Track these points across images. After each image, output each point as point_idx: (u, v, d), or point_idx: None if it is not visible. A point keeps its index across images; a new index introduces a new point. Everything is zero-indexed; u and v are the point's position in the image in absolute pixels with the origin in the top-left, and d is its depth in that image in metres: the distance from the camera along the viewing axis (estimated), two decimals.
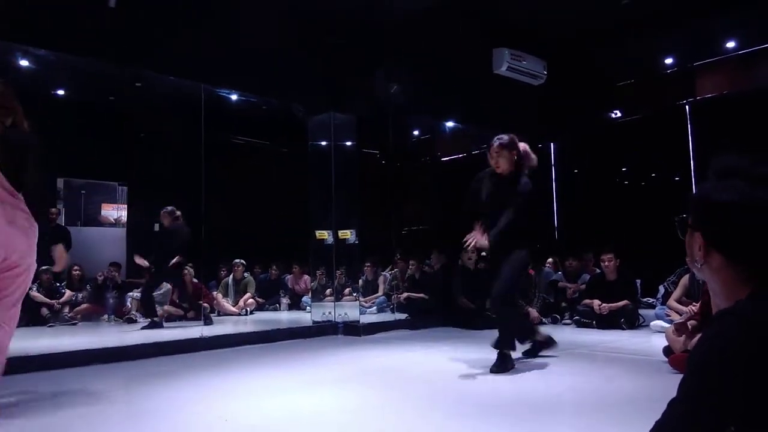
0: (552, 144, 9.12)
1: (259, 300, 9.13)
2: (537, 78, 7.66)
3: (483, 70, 7.35)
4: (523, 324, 4.38)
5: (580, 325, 6.36)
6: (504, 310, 4.01)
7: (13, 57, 5.48)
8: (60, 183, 9.97)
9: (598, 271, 6.78)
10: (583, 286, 6.81)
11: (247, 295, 8.74)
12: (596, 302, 6.21)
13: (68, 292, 7.67)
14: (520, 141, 4.10)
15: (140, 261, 6.98)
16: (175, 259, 6.86)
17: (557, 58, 7.84)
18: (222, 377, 3.97)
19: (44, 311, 7.29)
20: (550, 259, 7.80)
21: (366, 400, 3.25)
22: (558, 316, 6.88)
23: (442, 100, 7.42)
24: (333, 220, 6.63)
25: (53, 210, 8.75)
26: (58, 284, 7.67)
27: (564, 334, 5.44)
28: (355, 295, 7.76)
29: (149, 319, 6.78)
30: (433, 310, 7.22)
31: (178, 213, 6.97)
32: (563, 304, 6.98)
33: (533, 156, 4.19)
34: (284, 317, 8.49)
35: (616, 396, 3.24)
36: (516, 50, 7.32)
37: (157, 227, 9.39)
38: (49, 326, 7.09)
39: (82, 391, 3.53)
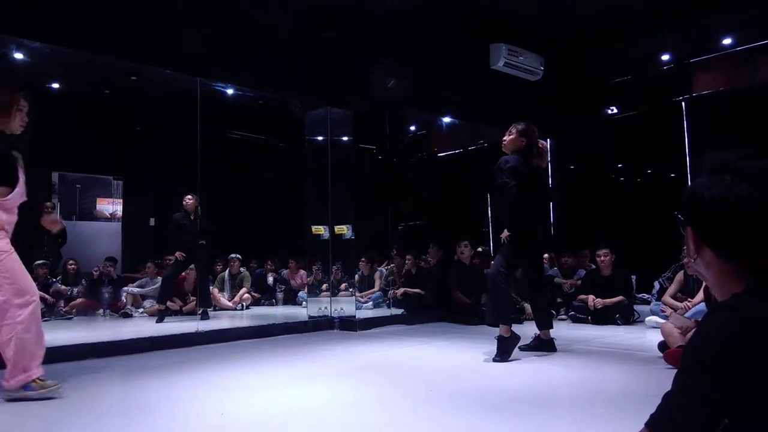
0: (548, 140, 9.12)
1: (255, 295, 9.12)
2: (534, 74, 7.65)
3: (480, 65, 7.34)
4: (500, 306, 4.24)
5: (575, 320, 6.39)
6: (489, 283, 4.32)
7: (7, 49, 5.44)
8: (55, 177, 9.93)
9: (593, 266, 6.79)
10: (579, 282, 6.83)
11: (243, 290, 8.74)
12: (591, 297, 6.23)
13: (63, 287, 7.64)
14: (541, 139, 4.47)
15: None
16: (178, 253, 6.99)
17: (554, 54, 7.83)
18: (218, 372, 3.97)
19: None
20: (545, 255, 7.81)
21: (362, 394, 3.26)
22: (553, 312, 6.89)
23: (439, 96, 7.40)
24: (329, 215, 6.62)
25: (48, 204, 8.72)
26: (53, 279, 7.65)
27: (559, 329, 5.44)
28: (351, 290, 7.75)
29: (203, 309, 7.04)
30: (429, 306, 7.23)
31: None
32: (558, 300, 7.00)
33: (540, 155, 4.34)
34: (280, 312, 8.49)
35: (612, 390, 3.26)
36: (513, 46, 7.31)
37: (152, 222, 9.37)
38: (44, 320, 7.06)
39: (77, 385, 3.52)
